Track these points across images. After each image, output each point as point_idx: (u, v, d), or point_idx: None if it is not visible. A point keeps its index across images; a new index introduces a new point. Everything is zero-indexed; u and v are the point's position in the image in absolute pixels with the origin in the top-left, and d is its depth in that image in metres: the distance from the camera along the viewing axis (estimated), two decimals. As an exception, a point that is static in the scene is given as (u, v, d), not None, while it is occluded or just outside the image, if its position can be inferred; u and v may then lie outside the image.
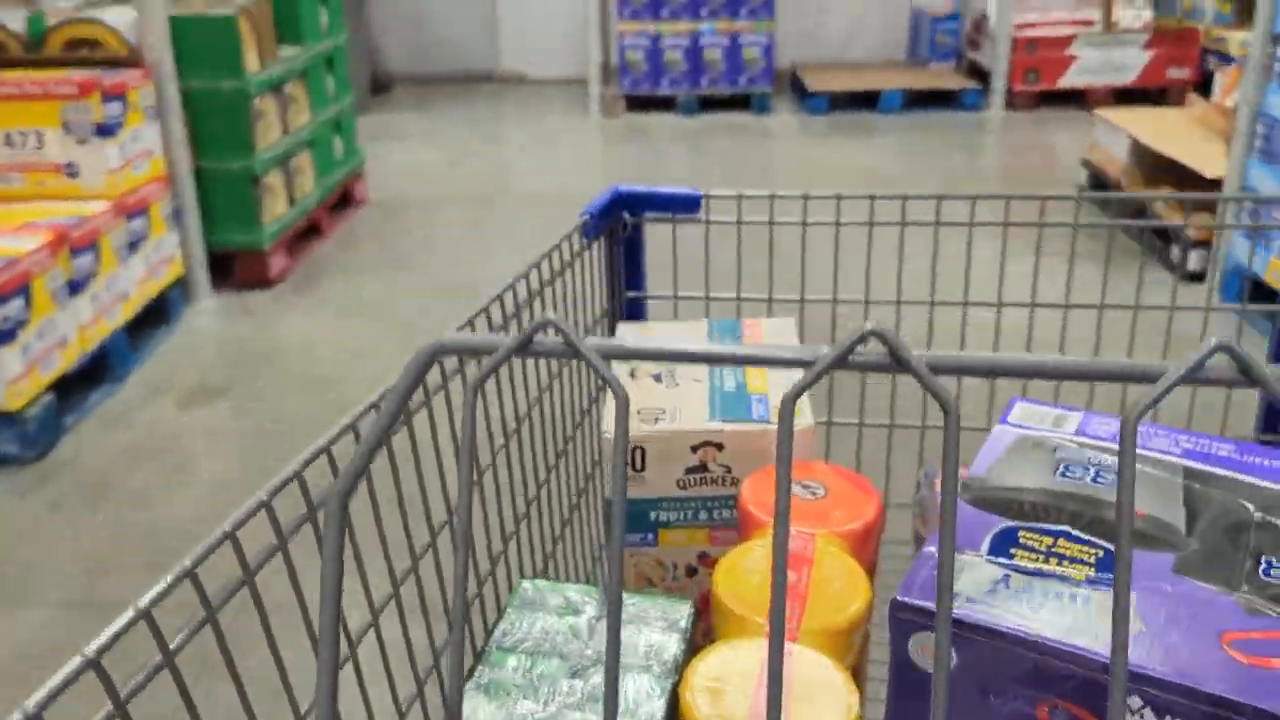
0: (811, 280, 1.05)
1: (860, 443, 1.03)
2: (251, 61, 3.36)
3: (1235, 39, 5.33)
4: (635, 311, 1.08)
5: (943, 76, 6.29)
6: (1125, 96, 5.84)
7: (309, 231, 3.97)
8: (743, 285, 1.00)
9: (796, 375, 0.87)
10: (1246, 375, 0.29)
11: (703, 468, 0.82)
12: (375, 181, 4.77)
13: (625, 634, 0.65)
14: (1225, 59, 5.38)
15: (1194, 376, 0.29)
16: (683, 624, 0.66)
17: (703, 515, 0.83)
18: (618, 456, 0.33)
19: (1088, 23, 5.94)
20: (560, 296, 0.88)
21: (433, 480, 0.67)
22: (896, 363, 0.29)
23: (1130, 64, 5.80)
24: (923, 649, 0.52)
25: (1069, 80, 5.90)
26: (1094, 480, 0.60)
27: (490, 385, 0.99)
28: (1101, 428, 0.65)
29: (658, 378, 0.88)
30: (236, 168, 3.38)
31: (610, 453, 0.83)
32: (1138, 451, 0.63)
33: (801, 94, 6.25)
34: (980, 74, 6.38)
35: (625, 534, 0.81)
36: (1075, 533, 0.55)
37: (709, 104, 6.09)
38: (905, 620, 0.52)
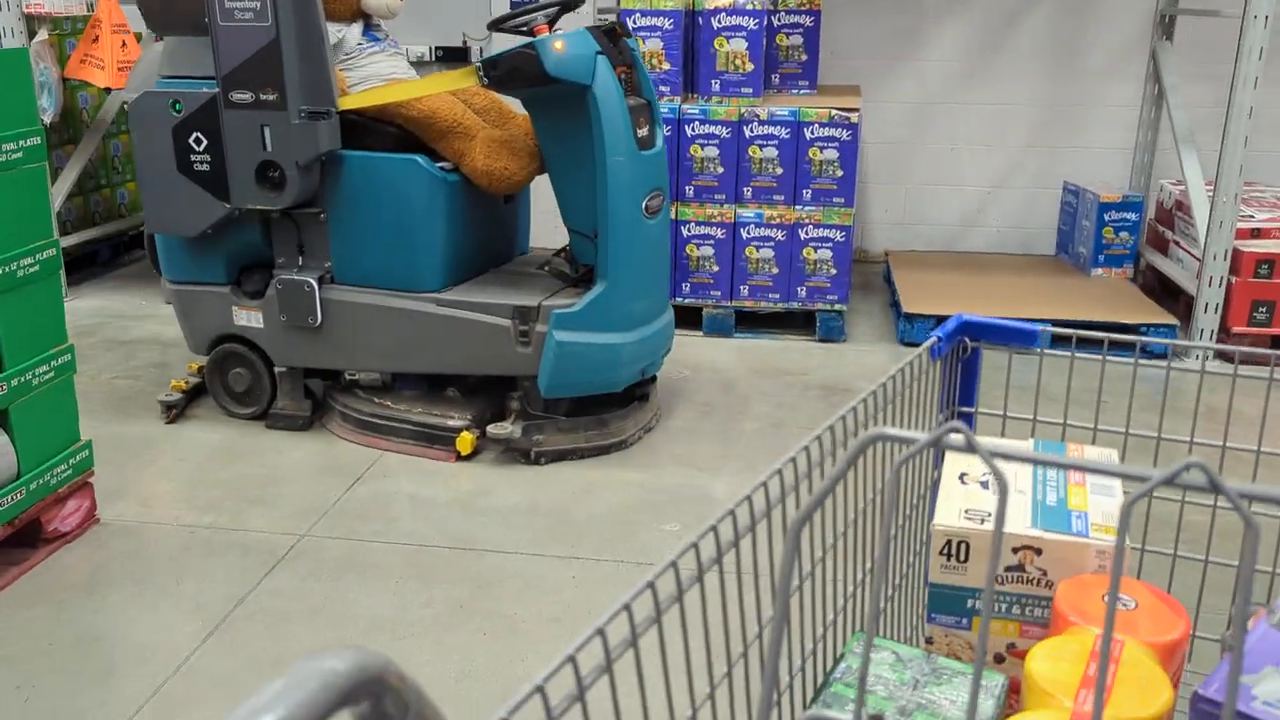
0: (1137, 416, 1.13)
1: (1173, 573, 1.09)
2: None
3: None
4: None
5: (1114, 296, 4.21)
6: None
7: None
8: (1069, 415, 1.10)
9: (1114, 496, 0.97)
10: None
11: (1020, 568, 0.94)
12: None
13: (949, 692, 0.78)
14: None
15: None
16: (997, 692, 0.78)
17: (1015, 610, 0.94)
18: (994, 545, 0.47)
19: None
20: (905, 406, 1.03)
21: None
22: (1214, 488, 0.43)
23: None
24: (1217, 739, 0.62)
25: (1325, 322, 3.71)
26: (1400, 627, 0.67)
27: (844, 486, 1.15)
28: None
29: (984, 484, 1.01)
30: None
31: (936, 543, 0.96)
32: None
33: (896, 308, 4.20)
34: (1171, 291, 4.25)
35: (945, 614, 0.95)
36: (1374, 667, 0.63)
37: (751, 321, 4.15)
38: (1205, 712, 0.62)
